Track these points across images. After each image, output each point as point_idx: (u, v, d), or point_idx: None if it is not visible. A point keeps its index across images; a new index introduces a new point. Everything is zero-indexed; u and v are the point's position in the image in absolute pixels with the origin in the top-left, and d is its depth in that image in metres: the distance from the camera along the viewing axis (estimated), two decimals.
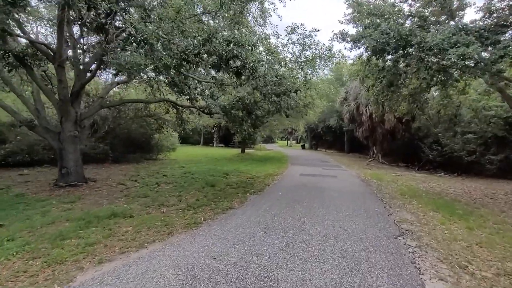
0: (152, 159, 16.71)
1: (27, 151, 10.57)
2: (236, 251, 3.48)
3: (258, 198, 6.72)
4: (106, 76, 12.25)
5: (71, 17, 6.57)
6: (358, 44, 6.97)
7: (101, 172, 10.47)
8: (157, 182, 8.61)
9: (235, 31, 6.68)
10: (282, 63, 8.50)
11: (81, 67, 7.78)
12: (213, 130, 29.65)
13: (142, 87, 12.76)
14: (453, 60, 5.34)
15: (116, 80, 10.10)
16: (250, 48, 5.40)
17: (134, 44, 5.26)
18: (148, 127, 16.61)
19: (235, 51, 4.97)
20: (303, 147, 40.90)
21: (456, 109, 15.18)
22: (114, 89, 16.11)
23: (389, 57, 7.70)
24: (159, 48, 5.12)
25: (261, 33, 9.18)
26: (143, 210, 5.54)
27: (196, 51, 5.23)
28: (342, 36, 7.31)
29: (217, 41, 5.41)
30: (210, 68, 6.80)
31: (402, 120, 17.14)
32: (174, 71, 5.60)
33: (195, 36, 5.42)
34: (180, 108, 11.45)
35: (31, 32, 8.97)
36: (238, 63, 5.36)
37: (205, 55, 5.40)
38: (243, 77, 5.97)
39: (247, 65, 5.28)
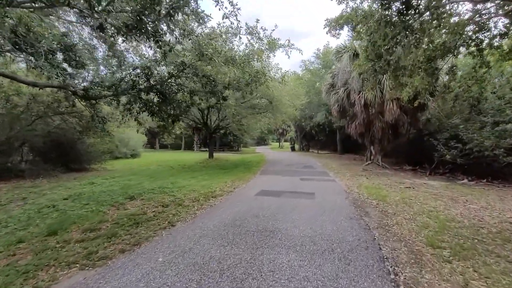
0: (77, 170, 12.48)
1: None
2: None
3: None
4: None
5: None
6: None
7: None
8: None
9: None
10: None
11: None
12: (178, 132, 25.51)
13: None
14: None
15: None
16: None
17: None
18: (78, 128, 12.51)
19: None
20: (293, 148, 36.81)
21: (480, 91, 11.25)
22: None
23: None
24: None
25: None
26: None
27: None
28: None
29: None
30: None
31: (407, 110, 13.11)
32: None
33: None
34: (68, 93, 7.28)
35: None
36: None
37: None
38: None
39: None
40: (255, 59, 6.76)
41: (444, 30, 6.28)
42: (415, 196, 6.87)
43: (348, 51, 13.13)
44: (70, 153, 12.43)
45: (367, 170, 12.85)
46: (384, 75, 11.68)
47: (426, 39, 5.73)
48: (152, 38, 3.78)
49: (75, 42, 4.76)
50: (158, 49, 4.22)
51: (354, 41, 13.23)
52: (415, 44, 5.28)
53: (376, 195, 6.95)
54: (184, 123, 19.16)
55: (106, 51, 6.19)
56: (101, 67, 6.19)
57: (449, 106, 12.99)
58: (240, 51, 7.04)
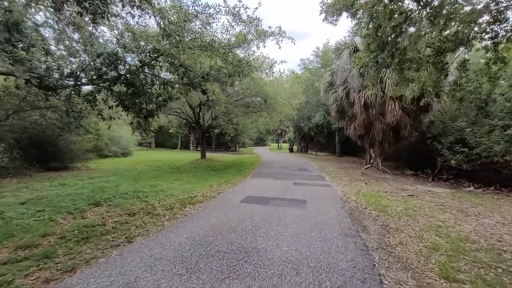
0: (57, 169, 11.67)
1: None
2: None
3: None
4: None
5: None
6: None
7: None
8: None
9: None
10: None
11: None
12: (170, 130, 24.87)
13: None
14: None
15: None
16: None
17: None
18: (58, 124, 11.69)
19: None
20: (291, 150, 36.00)
21: (489, 93, 10.51)
22: None
23: None
24: None
25: None
26: None
27: None
28: None
29: None
30: None
31: (409, 112, 12.38)
32: None
33: None
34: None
35: None
36: None
37: None
38: None
39: None
40: (237, 47, 5.95)
41: (455, 22, 5.54)
42: (419, 207, 6.09)
43: (348, 48, 12.37)
44: (50, 151, 11.63)
45: (366, 175, 12.07)
46: (386, 72, 10.95)
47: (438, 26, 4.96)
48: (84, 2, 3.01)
49: (19, 20, 3.98)
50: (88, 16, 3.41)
51: (355, 37, 12.49)
52: (431, 18, 4.47)
53: (375, 204, 6.17)
54: (159, 119, 18.11)
55: (72, 35, 5.40)
56: (64, 53, 5.39)
57: (455, 108, 12.28)
58: (224, 39, 6.24)
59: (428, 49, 5.83)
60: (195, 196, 6.71)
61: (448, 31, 5.78)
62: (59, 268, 2.91)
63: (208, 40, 5.08)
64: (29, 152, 11.10)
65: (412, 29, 5.46)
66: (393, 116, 11.31)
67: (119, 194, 6.55)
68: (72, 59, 5.14)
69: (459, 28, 5.59)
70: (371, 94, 11.14)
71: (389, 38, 5.31)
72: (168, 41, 4.19)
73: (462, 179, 11.61)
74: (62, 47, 6.65)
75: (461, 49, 6.28)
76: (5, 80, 8.67)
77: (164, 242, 3.70)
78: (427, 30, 4.86)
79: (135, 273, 2.83)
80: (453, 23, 5.68)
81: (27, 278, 2.70)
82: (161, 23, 4.02)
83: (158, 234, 4.05)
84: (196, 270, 2.90)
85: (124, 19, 3.97)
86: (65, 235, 3.90)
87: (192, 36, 4.69)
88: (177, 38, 4.06)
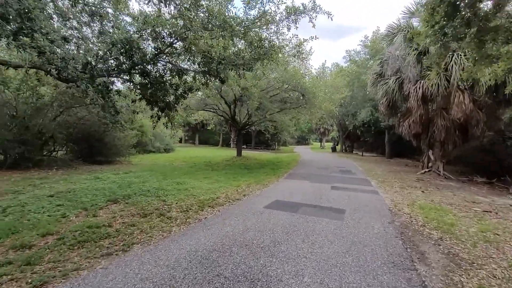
0: (101, 162, 12.36)
1: None
2: None
3: None
4: None
5: None
6: None
7: None
8: None
9: None
10: None
11: None
12: (209, 127, 25.21)
13: None
14: None
15: None
16: None
17: None
18: (103, 120, 12.38)
19: None
20: (333, 149, 33.76)
21: None
22: None
23: None
24: None
25: None
26: None
27: None
28: None
29: None
30: None
31: (482, 105, 10.10)
32: None
33: None
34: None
35: None
36: None
37: None
38: None
39: None
40: (259, 24, 5.06)
41: None
42: (503, 229, 4.54)
43: (402, 31, 10.54)
44: (96, 146, 12.35)
45: (423, 181, 10.20)
46: (453, 57, 8.98)
47: None
48: None
49: (30, 7, 3.82)
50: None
51: (412, 19, 10.61)
52: None
53: (437, 221, 4.81)
54: (181, 114, 17.96)
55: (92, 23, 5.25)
56: (78, 42, 5.27)
57: None
58: (246, 15, 5.41)
59: None
60: (217, 198, 6.14)
61: None
62: (30, 281, 2.49)
63: (222, 18, 4.39)
64: (81, 146, 11.90)
65: None
66: (461, 111, 9.23)
67: (141, 191, 6.32)
68: (89, 48, 4.97)
69: None
70: (432, 85, 9.25)
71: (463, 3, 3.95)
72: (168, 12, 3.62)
73: None
74: (80, 37, 6.61)
75: None
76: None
77: (161, 255, 3.12)
78: None
79: None
80: None
81: None
82: None
83: (159, 243, 3.50)
84: None
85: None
86: (66, 235, 3.60)
87: (204, 14, 4.08)
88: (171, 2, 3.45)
